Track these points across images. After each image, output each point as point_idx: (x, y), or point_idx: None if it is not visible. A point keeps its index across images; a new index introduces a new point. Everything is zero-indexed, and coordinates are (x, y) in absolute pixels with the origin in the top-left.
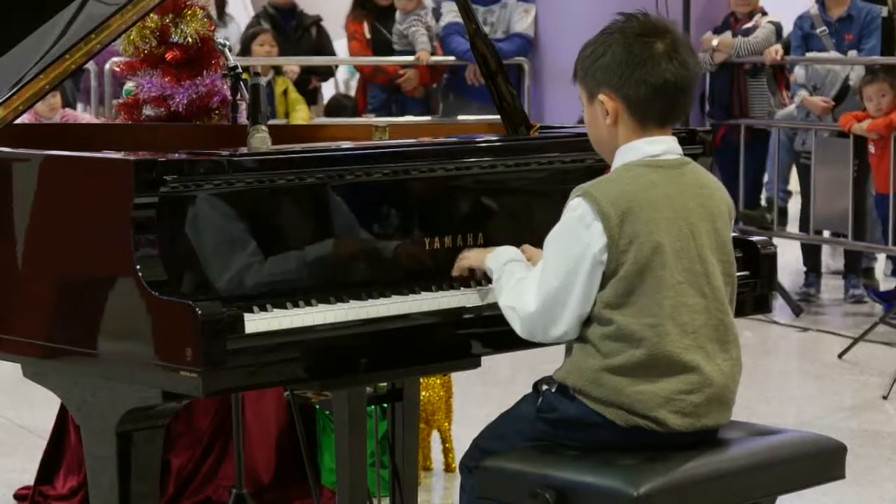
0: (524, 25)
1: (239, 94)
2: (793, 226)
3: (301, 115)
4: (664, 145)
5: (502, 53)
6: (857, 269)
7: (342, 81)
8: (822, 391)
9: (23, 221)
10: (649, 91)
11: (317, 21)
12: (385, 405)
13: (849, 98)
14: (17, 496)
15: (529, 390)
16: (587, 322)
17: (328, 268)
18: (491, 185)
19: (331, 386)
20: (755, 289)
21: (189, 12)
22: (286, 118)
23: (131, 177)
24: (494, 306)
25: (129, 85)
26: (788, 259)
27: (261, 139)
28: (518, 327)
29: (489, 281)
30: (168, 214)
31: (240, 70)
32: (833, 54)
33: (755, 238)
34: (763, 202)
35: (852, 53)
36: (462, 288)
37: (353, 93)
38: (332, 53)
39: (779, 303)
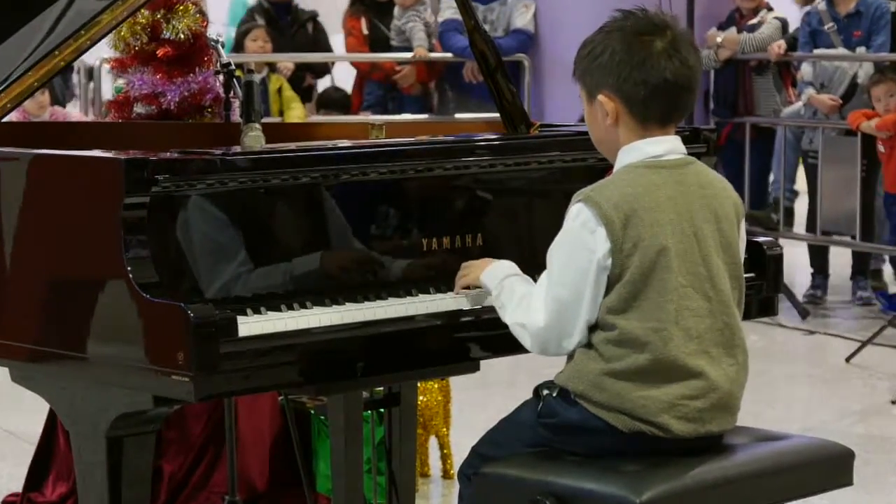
0: (524, 21)
1: (232, 92)
2: (799, 226)
3: (296, 113)
4: (667, 145)
5: (502, 50)
6: (865, 270)
7: (340, 80)
8: (829, 396)
9: (10, 222)
10: (648, 91)
11: (313, 16)
12: (382, 410)
13: (857, 96)
14: (5, 503)
15: (529, 395)
16: (590, 327)
17: (323, 269)
18: (490, 185)
19: (326, 390)
20: (760, 291)
21: (181, 8)
22: (280, 116)
23: (122, 176)
24: (493, 309)
25: (120, 82)
26: (795, 260)
27: (254, 138)
28: (529, 344)
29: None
30: (159, 215)
31: (233, 67)
32: (841, 51)
33: (760, 239)
34: (770, 202)
35: (861, 50)
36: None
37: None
38: (329, 50)
39: (785, 305)
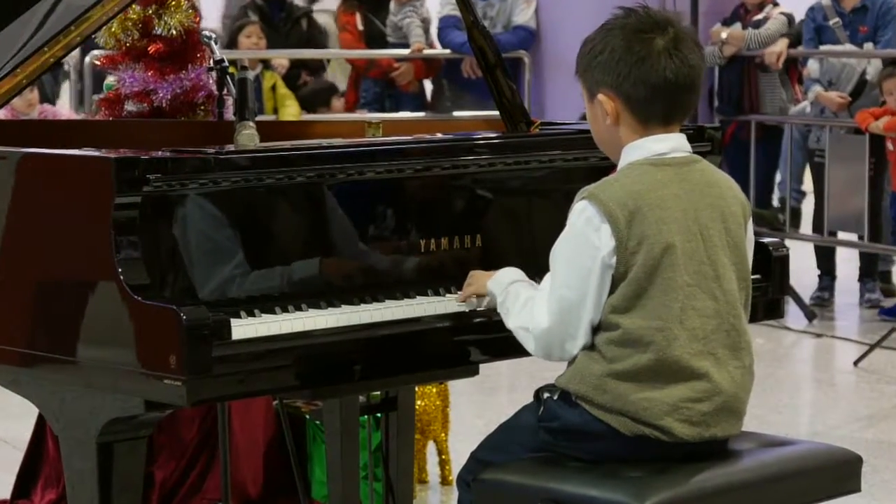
0: (526, 17)
1: (225, 89)
2: (806, 227)
3: (291, 110)
4: (671, 143)
5: (503, 46)
6: (873, 272)
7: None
8: (836, 400)
9: None
10: (648, 90)
11: (308, 12)
12: (378, 415)
13: (865, 93)
14: None
15: (530, 399)
16: (593, 329)
17: (319, 271)
18: (489, 184)
19: (322, 395)
20: (766, 293)
21: (173, 3)
22: (275, 114)
23: (112, 175)
24: (495, 311)
25: (111, 79)
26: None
27: (248, 136)
28: (532, 347)
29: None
30: (151, 215)
31: (226, 64)
32: (848, 47)
33: (766, 240)
34: (776, 202)
35: (868, 46)
36: (459, 292)
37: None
38: (324, 46)
39: (791, 308)
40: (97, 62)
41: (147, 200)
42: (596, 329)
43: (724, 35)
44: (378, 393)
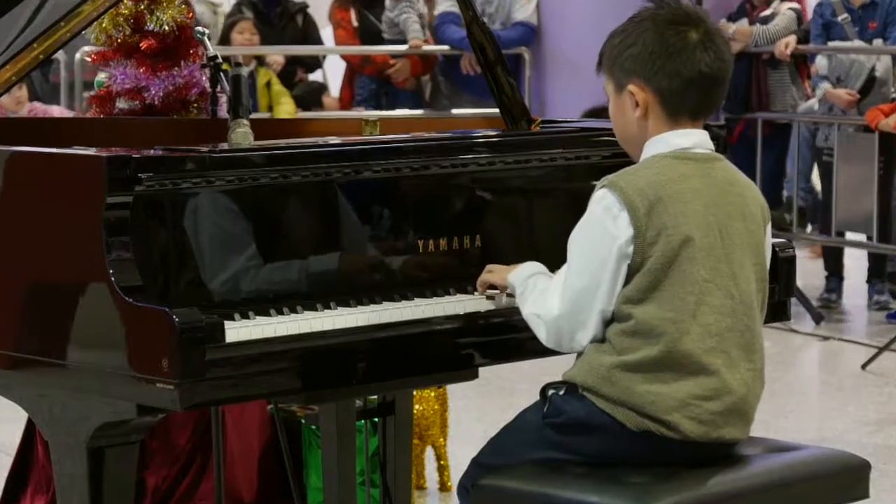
0: (527, 13)
1: (219, 86)
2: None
3: (286, 108)
4: (695, 138)
5: (504, 42)
6: (882, 273)
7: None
8: (844, 404)
9: None
10: (683, 83)
11: (303, 8)
12: (376, 419)
13: (875, 90)
14: None
15: (530, 403)
16: (605, 321)
17: (314, 272)
18: (489, 183)
19: (318, 399)
20: (773, 295)
21: None
22: (269, 112)
23: (103, 174)
24: (495, 312)
25: (102, 76)
26: (809, 263)
27: (242, 134)
28: (543, 334)
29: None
30: (143, 215)
31: (220, 60)
32: (857, 43)
33: (773, 240)
34: (785, 202)
35: (877, 42)
36: (458, 294)
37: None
38: (320, 43)
39: (798, 310)
40: (88, 58)
41: (139, 200)
42: (608, 322)
43: (731, 31)
44: (375, 397)
